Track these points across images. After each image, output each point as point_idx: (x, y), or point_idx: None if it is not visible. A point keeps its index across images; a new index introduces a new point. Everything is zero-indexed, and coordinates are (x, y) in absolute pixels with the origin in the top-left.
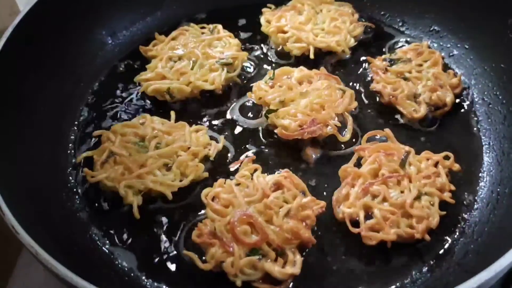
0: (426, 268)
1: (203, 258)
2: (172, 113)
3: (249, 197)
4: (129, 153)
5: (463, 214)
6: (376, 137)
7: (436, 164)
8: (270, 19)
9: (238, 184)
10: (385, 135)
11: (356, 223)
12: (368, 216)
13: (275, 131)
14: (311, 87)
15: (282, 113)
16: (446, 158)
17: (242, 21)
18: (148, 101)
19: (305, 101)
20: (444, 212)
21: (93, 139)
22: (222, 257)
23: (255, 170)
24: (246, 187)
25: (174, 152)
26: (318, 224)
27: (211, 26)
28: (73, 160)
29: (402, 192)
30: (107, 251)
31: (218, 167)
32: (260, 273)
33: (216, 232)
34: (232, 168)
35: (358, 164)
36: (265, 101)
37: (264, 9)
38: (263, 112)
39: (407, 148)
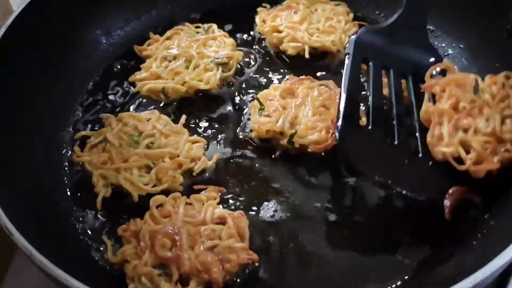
0: (422, 267)
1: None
2: (183, 118)
3: (189, 218)
4: (120, 144)
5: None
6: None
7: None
8: (265, 19)
9: (189, 204)
10: (445, 67)
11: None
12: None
13: (309, 149)
14: (300, 95)
15: (302, 131)
16: (507, 77)
17: (237, 21)
18: (143, 101)
19: (307, 111)
20: None
21: (87, 139)
22: (130, 256)
23: (214, 198)
24: (193, 208)
25: (161, 156)
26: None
27: (206, 25)
28: (65, 163)
29: (487, 120)
30: (101, 251)
31: (200, 182)
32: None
33: (139, 233)
34: (196, 188)
35: None
36: (275, 131)
37: (259, 9)
38: (282, 142)
39: (472, 75)
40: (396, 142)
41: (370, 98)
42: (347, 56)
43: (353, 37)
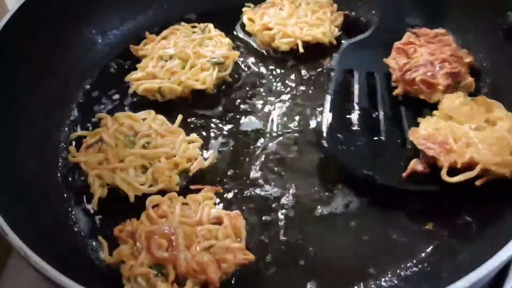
0: (419, 267)
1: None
2: (179, 117)
3: (185, 218)
4: (116, 144)
5: (456, 214)
6: None
7: None
8: (253, 18)
9: (185, 204)
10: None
11: None
12: None
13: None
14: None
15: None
16: None
17: (234, 21)
18: (139, 101)
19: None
20: None
21: (83, 139)
22: (126, 257)
23: (211, 198)
24: (190, 208)
25: (157, 156)
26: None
27: (202, 25)
28: (61, 163)
29: None
30: (97, 252)
31: (197, 182)
32: None
33: (135, 234)
34: (193, 188)
35: None
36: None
37: (244, 9)
38: None
39: None
40: (383, 138)
41: (355, 102)
42: (332, 72)
43: (336, 54)
